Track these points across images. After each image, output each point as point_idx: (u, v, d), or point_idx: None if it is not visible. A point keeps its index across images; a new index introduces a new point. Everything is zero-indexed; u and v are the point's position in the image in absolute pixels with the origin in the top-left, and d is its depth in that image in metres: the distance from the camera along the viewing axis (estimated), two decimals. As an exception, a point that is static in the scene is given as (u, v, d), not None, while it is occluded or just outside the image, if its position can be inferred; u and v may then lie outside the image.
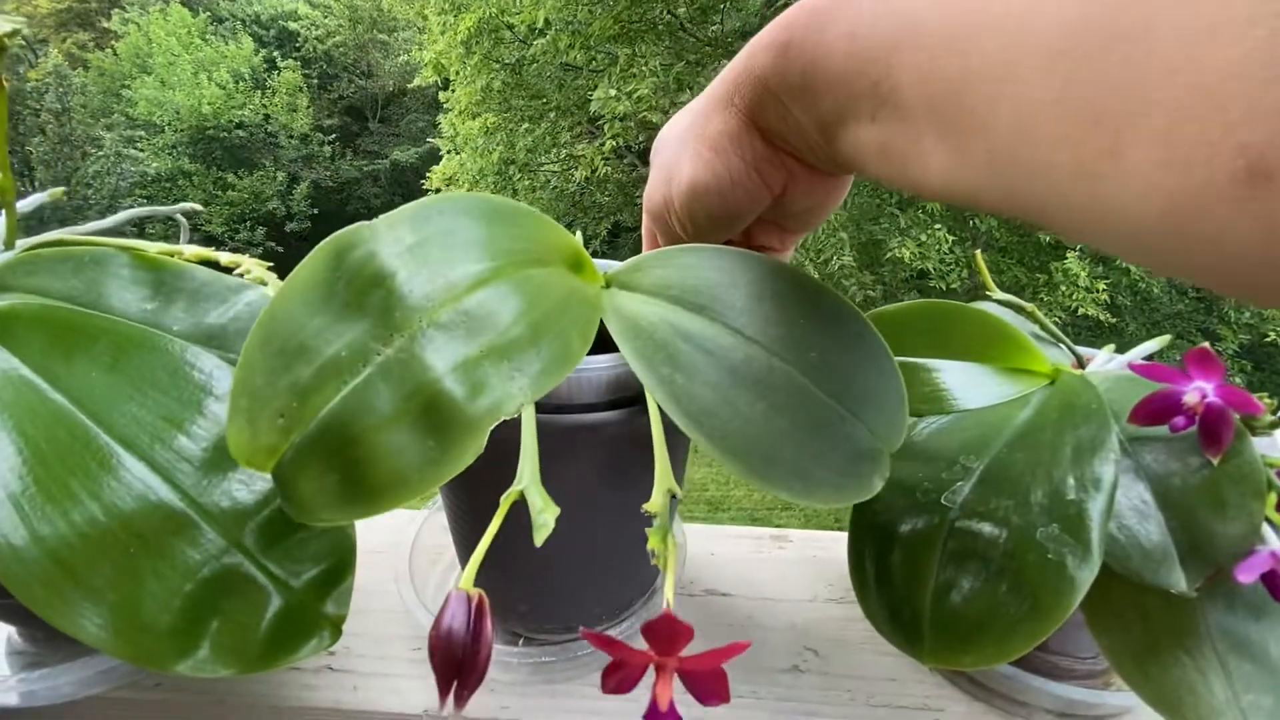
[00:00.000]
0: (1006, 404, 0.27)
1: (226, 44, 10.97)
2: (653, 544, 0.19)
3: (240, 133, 9.91)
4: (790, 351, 0.23)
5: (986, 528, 0.22)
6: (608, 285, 0.27)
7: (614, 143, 4.05)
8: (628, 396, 0.26)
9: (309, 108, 10.96)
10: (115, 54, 10.79)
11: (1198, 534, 0.20)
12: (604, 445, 0.26)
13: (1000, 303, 0.30)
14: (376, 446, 0.18)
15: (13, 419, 0.23)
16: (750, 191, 0.24)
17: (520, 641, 0.33)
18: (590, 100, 4.14)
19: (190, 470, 0.24)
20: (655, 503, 0.20)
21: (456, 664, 0.16)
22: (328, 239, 0.21)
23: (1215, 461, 0.22)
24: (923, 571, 0.23)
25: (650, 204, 0.28)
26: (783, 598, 0.38)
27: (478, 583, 0.32)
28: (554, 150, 5.34)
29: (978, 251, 0.33)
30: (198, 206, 0.35)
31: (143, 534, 0.22)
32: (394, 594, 0.36)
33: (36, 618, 0.31)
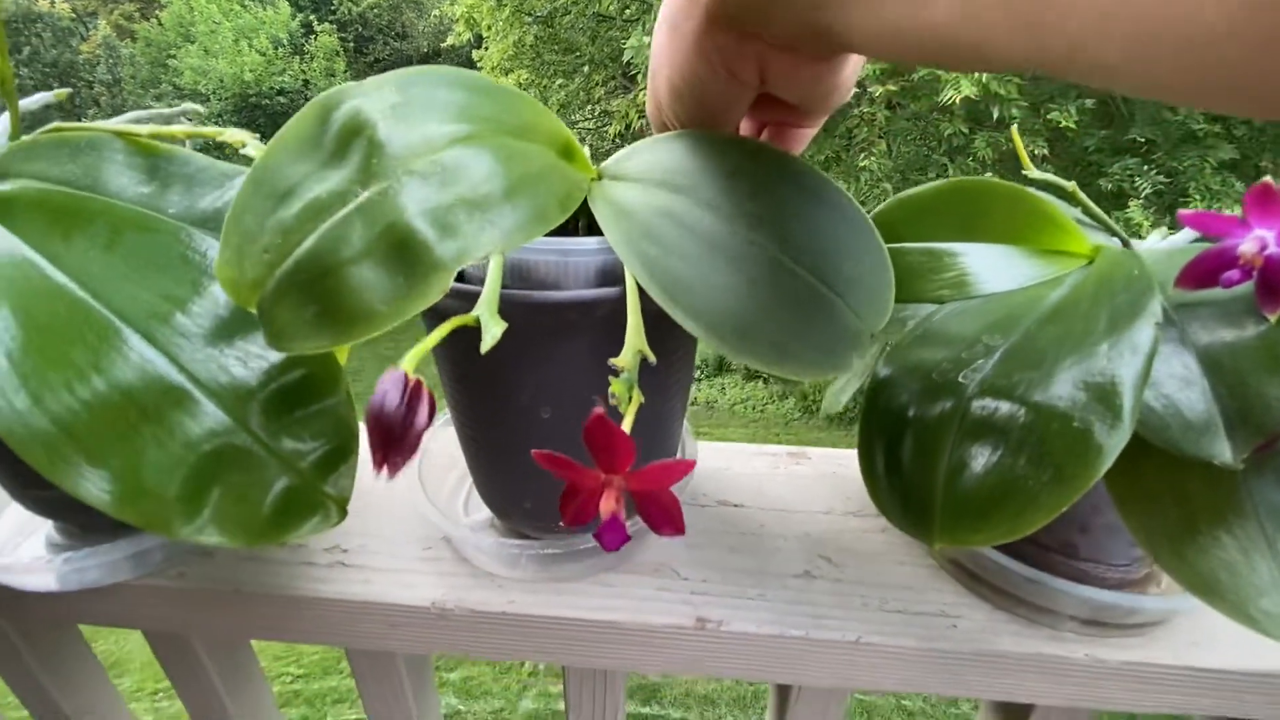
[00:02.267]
0: (1038, 285, 0.25)
1: (264, 9, 11.05)
2: (616, 390, 0.19)
3: (281, 99, 10.04)
4: (770, 229, 0.22)
5: (1005, 404, 0.21)
6: (599, 178, 0.26)
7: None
8: (617, 282, 0.26)
9: (346, 71, 11.00)
10: (160, 24, 10.99)
11: (1248, 401, 0.18)
12: (597, 327, 0.25)
13: (1037, 183, 0.27)
14: (349, 279, 0.19)
15: (15, 294, 0.23)
16: (725, 88, 0.24)
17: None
18: (624, 50, 4.03)
19: (187, 345, 0.24)
20: (624, 359, 0.20)
21: (387, 435, 0.17)
22: (316, 97, 0.21)
23: (1274, 319, 0.19)
24: (935, 452, 0.22)
25: (649, 103, 0.28)
26: (798, 509, 0.37)
27: (478, 480, 0.32)
28: (588, 106, 5.24)
29: (1014, 128, 0.30)
30: (199, 108, 0.35)
31: (143, 405, 0.23)
32: (406, 499, 0.36)
33: (72, 511, 0.32)
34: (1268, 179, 0.18)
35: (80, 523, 0.33)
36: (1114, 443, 0.18)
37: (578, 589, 0.31)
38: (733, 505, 0.37)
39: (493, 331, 0.18)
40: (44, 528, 0.35)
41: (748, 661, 0.30)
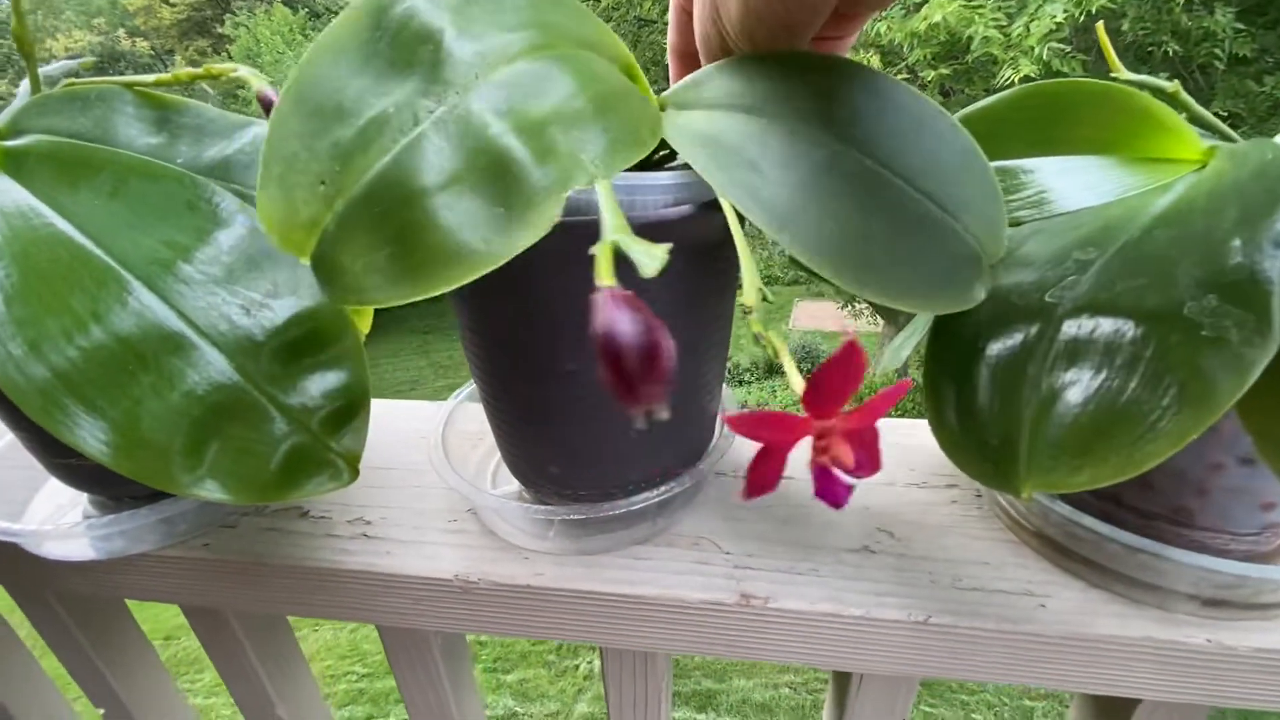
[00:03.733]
0: (1139, 194, 0.21)
1: (324, 37, 11.56)
2: (755, 329, 0.16)
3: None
4: (876, 151, 0.19)
5: (1108, 319, 0.17)
6: (664, 108, 0.23)
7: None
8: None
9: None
10: (230, 57, 11.69)
11: None
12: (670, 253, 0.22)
13: (1129, 83, 0.23)
14: (435, 211, 0.16)
15: (18, 242, 0.22)
16: None
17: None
18: (665, 53, 4.00)
19: (189, 293, 0.23)
20: (749, 296, 0.17)
21: (626, 370, 0.13)
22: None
23: None
24: (1018, 384, 0.18)
25: (699, 28, 0.24)
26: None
27: (503, 447, 0.30)
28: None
29: (1100, 24, 0.26)
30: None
31: (141, 353, 0.22)
32: (431, 473, 0.35)
33: (102, 484, 0.32)
34: None
35: (113, 494, 0.32)
36: (1256, 353, 0.14)
37: (608, 562, 0.29)
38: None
39: (652, 254, 0.15)
40: (80, 506, 0.35)
41: (799, 644, 0.27)
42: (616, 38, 0.23)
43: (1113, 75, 0.24)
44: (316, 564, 0.30)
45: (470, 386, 0.36)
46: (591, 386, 0.25)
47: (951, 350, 0.21)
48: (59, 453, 0.30)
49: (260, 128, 0.27)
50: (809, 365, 5.00)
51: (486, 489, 0.33)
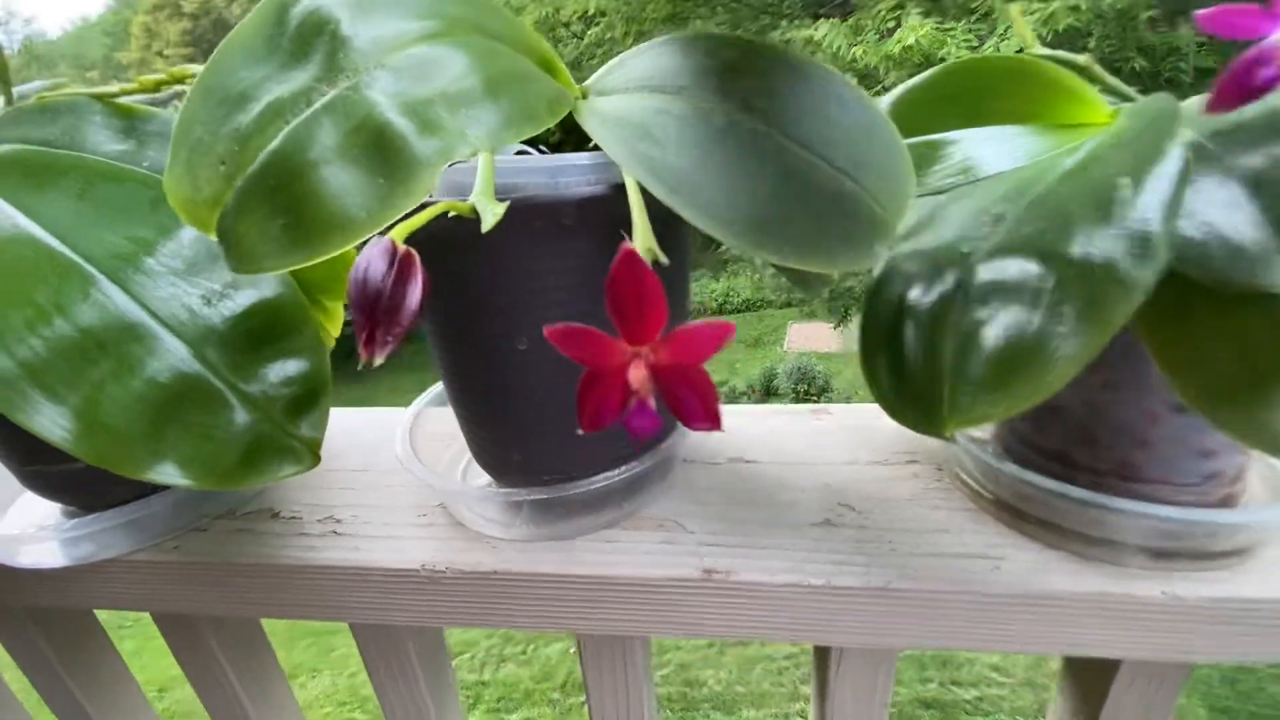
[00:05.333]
0: (1052, 155, 0.22)
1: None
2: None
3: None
4: (775, 119, 0.21)
5: (1015, 260, 0.18)
6: (584, 96, 0.24)
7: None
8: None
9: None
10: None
11: None
12: (595, 234, 0.23)
13: (1045, 59, 0.25)
14: (322, 182, 0.17)
15: (-14, 241, 0.23)
16: None
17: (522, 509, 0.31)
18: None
19: (150, 284, 0.24)
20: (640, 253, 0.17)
21: (372, 306, 0.15)
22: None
23: None
24: (939, 330, 0.19)
25: None
26: (818, 462, 0.34)
27: (469, 438, 0.30)
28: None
29: (1015, 6, 0.27)
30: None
31: (102, 341, 0.22)
32: (401, 473, 0.35)
33: (73, 491, 0.32)
34: None
35: (84, 503, 0.33)
36: (1142, 273, 0.15)
37: (575, 546, 0.29)
38: (746, 462, 0.34)
39: (493, 210, 0.17)
40: (53, 521, 0.35)
41: (764, 616, 0.27)
42: (533, 33, 0.24)
43: (1028, 52, 0.25)
44: (286, 561, 0.30)
45: (435, 389, 0.36)
46: (544, 368, 0.26)
47: (881, 315, 0.22)
48: (30, 459, 0.31)
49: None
50: (805, 387, 5.00)
51: (457, 482, 0.33)
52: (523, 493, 0.27)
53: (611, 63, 0.25)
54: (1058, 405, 0.26)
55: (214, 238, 0.17)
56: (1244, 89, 0.16)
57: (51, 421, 0.21)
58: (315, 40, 0.18)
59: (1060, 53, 0.25)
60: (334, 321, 0.36)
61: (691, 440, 0.36)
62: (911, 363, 0.20)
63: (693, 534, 0.29)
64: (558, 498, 0.29)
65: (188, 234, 0.25)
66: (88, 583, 0.32)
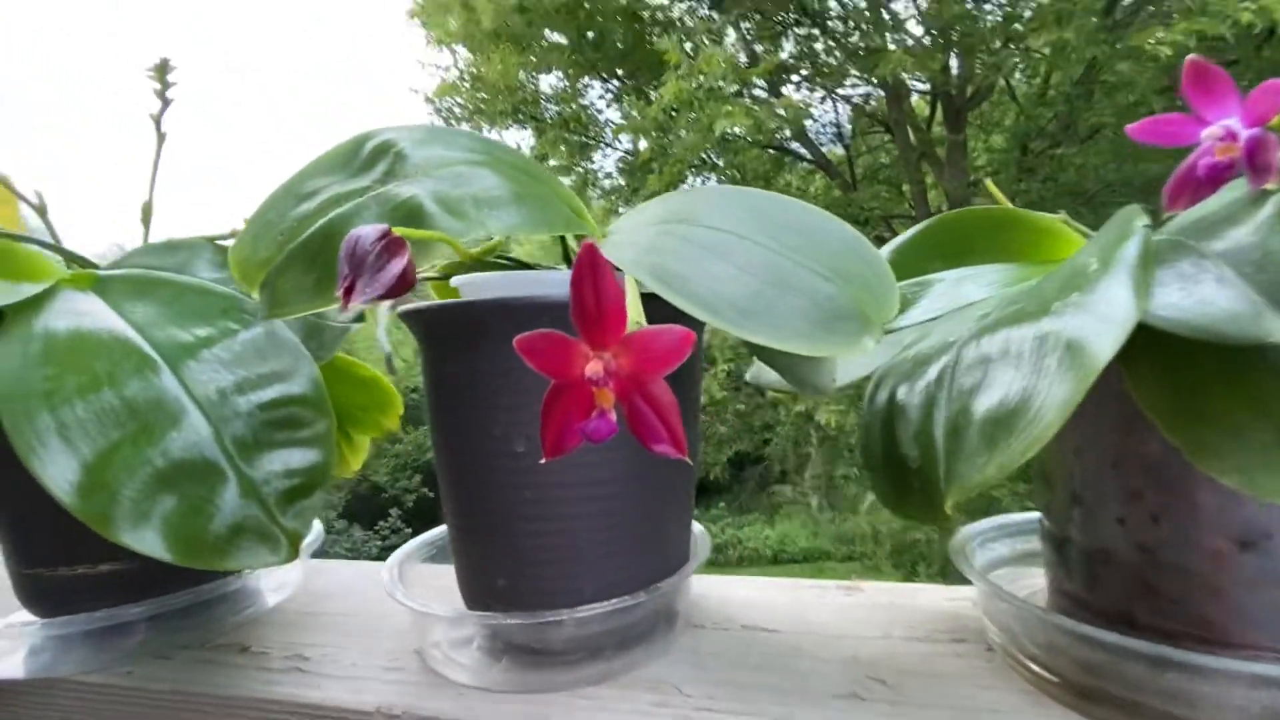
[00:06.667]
0: (1034, 279, 0.23)
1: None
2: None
3: (414, 395, 11.64)
4: (766, 237, 0.23)
5: (999, 335, 0.18)
6: (606, 236, 0.28)
7: (728, 368, 4.27)
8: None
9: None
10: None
11: None
12: None
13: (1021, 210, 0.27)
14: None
15: (78, 332, 0.27)
16: None
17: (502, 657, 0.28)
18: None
19: (197, 368, 0.26)
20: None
21: (358, 263, 0.17)
22: (353, 136, 0.25)
23: (1271, 188, 0.16)
24: (930, 411, 0.18)
25: None
26: (845, 634, 0.29)
27: (459, 552, 0.29)
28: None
29: (988, 180, 0.31)
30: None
31: (136, 408, 0.24)
32: (383, 620, 0.32)
33: (67, 601, 0.31)
34: (1192, 58, 0.17)
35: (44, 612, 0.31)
36: (1113, 326, 0.15)
37: (552, 700, 0.25)
38: (763, 630, 0.30)
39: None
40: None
41: (773, 811, 0.21)
42: (565, 188, 0.29)
43: (1004, 207, 0.28)
44: (233, 691, 0.27)
45: (429, 534, 0.35)
46: (540, 475, 0.25)
47: (876, 419, 0.21)
48: (30, 560, 0.31)
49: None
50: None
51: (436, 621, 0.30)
52: (499, 617, 0.25)
53: (633, 209, 0.29)
54: (1107, 550, 0.23)
55: (255, 293, 0.20)
56: (1192, 184, 0.18)
57: (61, 472, 0.22)
58: (380, 158, 0.23)
59: (1044, 214, 0.27)
60: (357, 455, 0.38)
61: (699, 603, 0.32)
62: (907, 449, 0.19)
63: (688, 697, 0.25)
64: (538, 642, 0.26)
65: (244, 336, 0.28)
66: (38, 704, 0.29)
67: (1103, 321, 0.15)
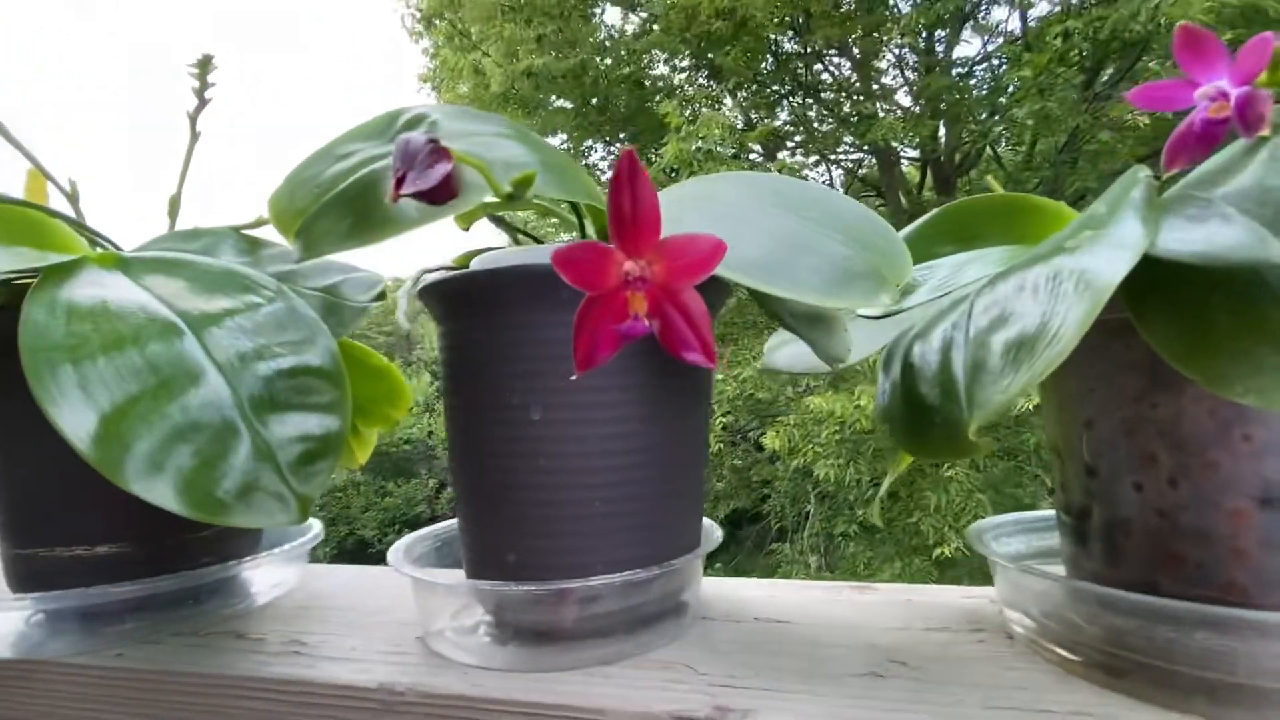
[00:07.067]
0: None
1: (410, 379, 13.57)
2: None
3: (407, 447, 11.50)
4: (786, 207, 0.24)
5: (1013, 279, 0.18)
6: None
7: (726, 420, 4.25)
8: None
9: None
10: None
11: None
12: None
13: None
14: (387, 192, 0.21)
15: (98, 297, 0.27)
16: None
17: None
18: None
19: (220, 334, 0.26)
20: None
21: (409, 159, 0.18)
22: (387, 110, 0.26)
23: (1265, 136, 0.17)
24: (948, 354, 0.18)
25: None
26: (862, 625, 0.28)
27: (467, 530, 0.28)
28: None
29: (989, 176, 0.32)
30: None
31: (157, 367, 0.24)
32: (386, 613, 0.32)
33: (59, 581, 0.30)
34: (1183, 25, 0.18)
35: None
36: (1123, 253, 0.15)
37: (561, 677, 0.24)
38: (776, 621, 0.29)
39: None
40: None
41: (794, 787, 0.20)
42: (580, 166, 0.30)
43: (1010, 193, 0.29)
44: (227, 671, 0.26)
45: (434, 526, 0.34)
46: (555, 445, 0.25)
47: (893, 382, 0.22)
48: (25, 540, 0.30)
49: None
50: None
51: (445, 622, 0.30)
52: (508, 585, 0.24)
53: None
54: (1127, 520, 0.23)
55: (292, 239, 0.20)
56: (1190, 141, 0.19)
57: (78, 420, 0.22)
58: (415, 127, 0.24)
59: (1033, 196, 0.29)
60: (364, 448, 0.37)
61: (710, 601, 0.32)
62: (927, 391, 0.19)
63: (704, 675, 0.24)
64: (546, 624, 0.26)
65: (266, 309, 0.28)
66: (20, 690, 0.28)
67: (1115, 248, 0.16)
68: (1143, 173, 0.19)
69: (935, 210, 0.29)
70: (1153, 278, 0.17)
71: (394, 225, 0.20)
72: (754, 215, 0.23)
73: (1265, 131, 0.17)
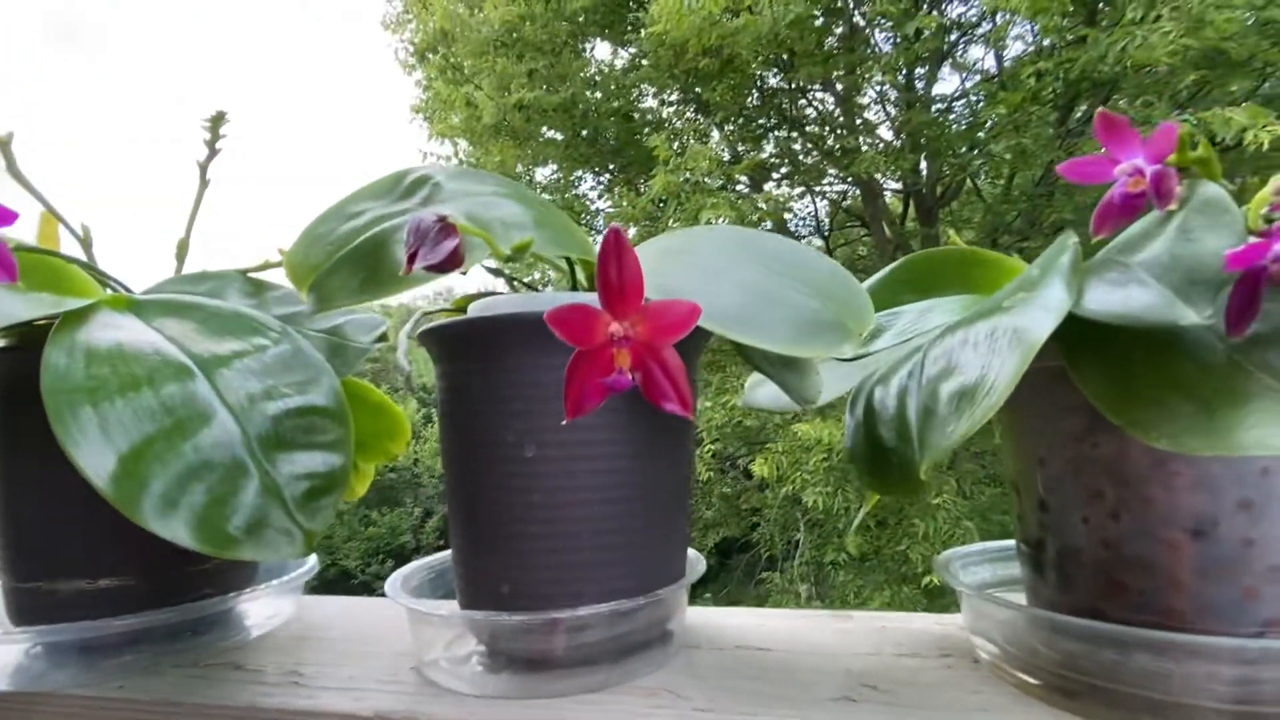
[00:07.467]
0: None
1: (399, 404, 13.47)
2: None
3: (391, 475, 11.35)
4: (760, 266, 0.27)
5: (959, 334, 0.20)
6: None
7: (715, 447, 4.26)
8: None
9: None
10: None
11: (1191, 271, 0.18)
12: None
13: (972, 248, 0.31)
14: (397, 251, 0.23)
15: (113, 340, 0.28)
16: None
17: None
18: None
19: (230, 376, 0.28)
20: None
21: (421, 237, 0.20)
22: (393, 171, 0.29)
23: (1174, 207, 0.19)
24: (903, 400, 0.20)
25: None
26: (838, 652, 0.30)
27: (460, 562, 0.30)
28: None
29: (950, 231, 0.35)
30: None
31: (171, 408, 0.26)
32: (382, 643, 0.33)
33: (58, 614, 0.31)
34: (1101, 111, 0.21)
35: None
36: (1056, 308, 0.18)
37: (551, 704, 0.25)
38: (756, 648, 0.31)
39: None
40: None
41: (771, 807, 0.22)
42: (572, 221, 0.32)
43: (967, 247, 0.32)
44: (228, 702, 0.27)
45: (430, 558, 0.35)
46: (548, 480, 0.27)
47: (858, 421, 0.24)
48: (27, 574, 0.31)
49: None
50: None
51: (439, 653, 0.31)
52: (505, 615, 0.26)
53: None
54: (1076, 550, 0.25)
55: (305, 294, 0.22)
56: (1113, 211, 0.21)
57: (100, 460, 0.23)
58: (420, 187, 0.26)
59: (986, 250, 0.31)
60: (362, 481, 0.39)
61: (693, 630, 0.33)
62: (885, 434, 0.21)
63: (687, 700, 0.25)
64: (537, 652, 0.27)
65: (273, 350, 0.30)
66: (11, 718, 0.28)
67: (1042, 310, 0.18)
68: (1071, 239, 0.21)
69: (900, 260, 0.32)
70: (1083, 333, 0.20)
71: (402, 283, 0.22)
72: (728, 269, 0.25)
73: (1174, 205, 0.20)
